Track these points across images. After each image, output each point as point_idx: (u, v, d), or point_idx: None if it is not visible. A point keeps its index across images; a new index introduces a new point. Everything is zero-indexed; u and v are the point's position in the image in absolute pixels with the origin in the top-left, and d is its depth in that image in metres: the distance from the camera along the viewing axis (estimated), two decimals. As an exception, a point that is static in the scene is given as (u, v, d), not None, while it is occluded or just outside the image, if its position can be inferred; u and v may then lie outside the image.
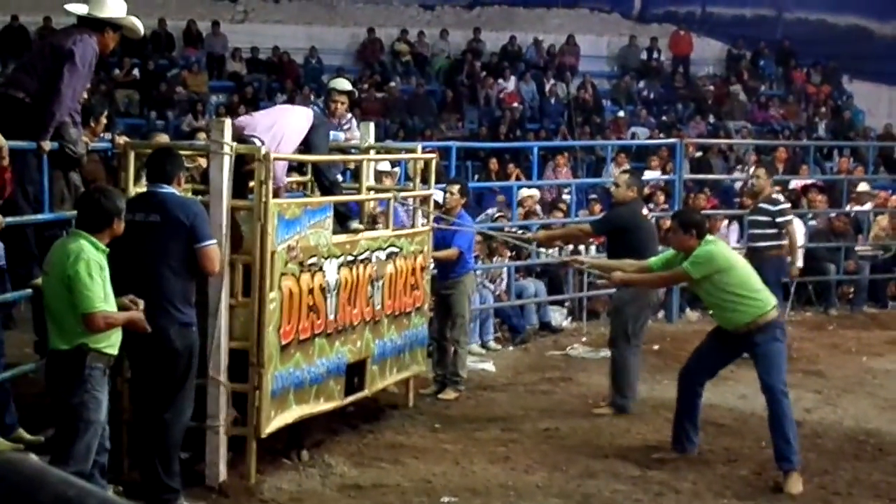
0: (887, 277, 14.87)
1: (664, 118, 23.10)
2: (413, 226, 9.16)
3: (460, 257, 9.67)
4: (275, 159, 7.13)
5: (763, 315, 7.33)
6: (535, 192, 14.48)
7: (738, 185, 17.31)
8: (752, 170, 17.83)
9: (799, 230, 12.89)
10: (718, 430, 8.54)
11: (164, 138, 9.40)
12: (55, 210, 6.88)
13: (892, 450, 8.19)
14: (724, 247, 7.71)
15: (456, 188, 9.81)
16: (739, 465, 7.73)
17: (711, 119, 23.26)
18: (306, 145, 7.97)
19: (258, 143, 7.47)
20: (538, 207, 14.16)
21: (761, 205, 11.47)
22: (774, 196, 11.65)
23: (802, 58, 25.95)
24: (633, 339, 9.14)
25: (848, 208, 15.27)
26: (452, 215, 9.61)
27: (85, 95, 7.34)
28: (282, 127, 7.80)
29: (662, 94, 24.55)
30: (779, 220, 11.30)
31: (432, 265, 9.42)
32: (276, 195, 7.76)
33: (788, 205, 12.05)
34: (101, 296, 5.74)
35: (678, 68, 25.32)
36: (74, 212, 6.46)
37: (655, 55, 25.49)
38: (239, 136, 7.41)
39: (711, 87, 24.52)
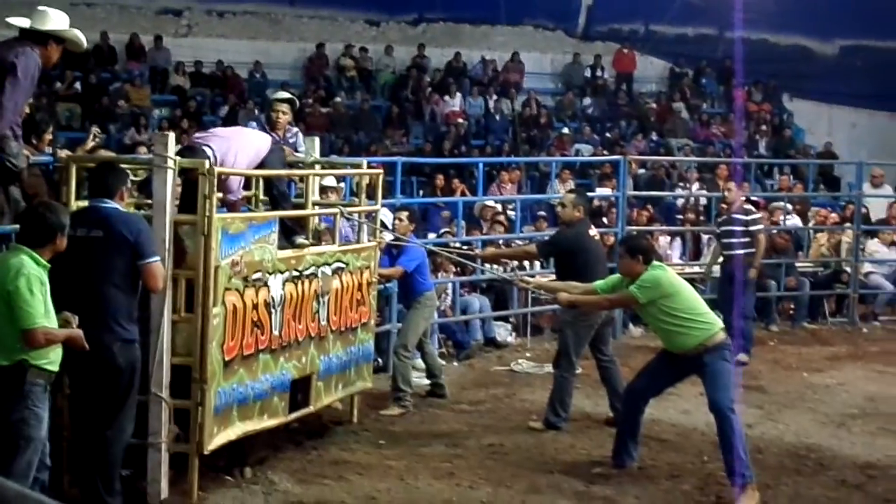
0: (827, 294, 15.06)
1: (608, 135, 23.23)
2: (359, 241, 9.14)
3: (411, 280, 9.71)
4: (220, 174, 7.10)
5: (711, 337, 7.41)
6: (497, 205, 14.57)
7: (680, 202, 17.45)
8: (694, 186, 18.13)
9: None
10: (662, 445, 8.60)
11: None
12: (-6, 224, 6.78)
13: (833, 464, 8.27)
14: (671, 272, 7.77)
15: (405, 214, 9.94)
16: (682, 479, 7.78)
17: (654, 136, 23.43)
18: (261, 166, 7.99)
19: (208, 150, 7.45)
20: (481, 223, 14.17)
21: (734, 215, 12.19)
22: (746, 207, 12.50)
23: (744, 76, 26.22)
24: (575, 360, 9.15)
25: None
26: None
27: (27, 109, 7.25)
28: (237, 140, 7.81)
29: (606, 112, 24.67)
30: (752, 228, 12.09)
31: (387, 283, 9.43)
32: (233, 208, 7.78)
33: (760, 215, 12.90)
34: (42, 311, 5.68)
35: (621, 86, 25.46)
36: (13, 226, 6.39)
37: (599, 73, 25.61)
38: (190, 143, 7.39)
39: (654, 105, 24.70)
